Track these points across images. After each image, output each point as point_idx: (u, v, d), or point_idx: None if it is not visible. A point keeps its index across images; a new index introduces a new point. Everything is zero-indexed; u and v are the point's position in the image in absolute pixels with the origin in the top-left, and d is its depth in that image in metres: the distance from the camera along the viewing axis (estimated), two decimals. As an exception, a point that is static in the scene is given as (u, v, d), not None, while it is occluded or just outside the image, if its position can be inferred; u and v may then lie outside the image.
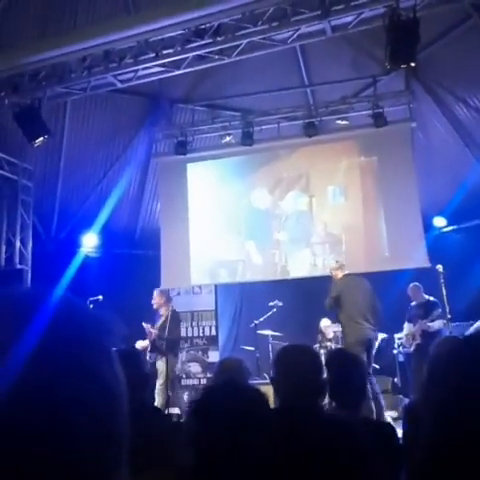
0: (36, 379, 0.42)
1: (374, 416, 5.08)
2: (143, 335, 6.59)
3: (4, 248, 8.16)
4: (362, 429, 2.11)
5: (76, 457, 0.43)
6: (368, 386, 4.70)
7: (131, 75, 6.19)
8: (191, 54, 5.92)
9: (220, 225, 8.95)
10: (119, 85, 6.39)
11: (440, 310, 6.63)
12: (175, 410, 7.46)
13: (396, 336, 7.66)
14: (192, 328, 9.12)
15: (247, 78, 8.22)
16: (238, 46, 5.77)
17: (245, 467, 1.46)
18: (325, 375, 2.56)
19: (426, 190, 8.14)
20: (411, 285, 7.12)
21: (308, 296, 8.22)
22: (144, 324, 6.53)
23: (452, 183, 8.08)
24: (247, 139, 8.33)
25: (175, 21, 5.32)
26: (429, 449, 0.75)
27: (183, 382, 8.81)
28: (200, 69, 7.15)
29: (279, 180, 8.84)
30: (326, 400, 2.98)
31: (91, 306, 7.01)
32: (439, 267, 6.57)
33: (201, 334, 9.12)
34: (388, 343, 7.92)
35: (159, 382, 6.32)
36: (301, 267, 8.48)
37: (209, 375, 8.43)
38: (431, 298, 6.91)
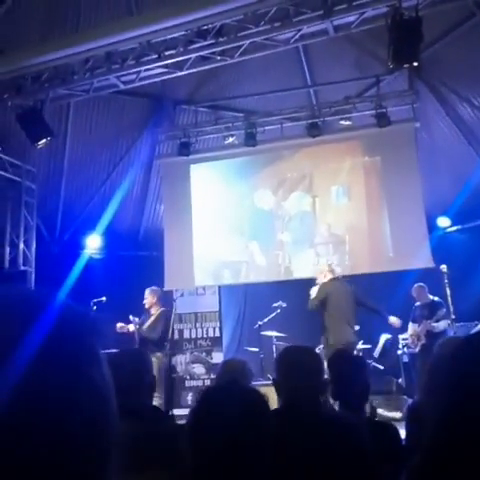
0: (30, 381, 0.43)
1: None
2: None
3: (8, 250, 8.18)
4: (364, 430, 2.11)
5: (69, 456, 0.43)
6: None
7: (134, 76, 6.20)
8: (194, 55, 5.92)
9: (223, 226, 8.94)
10: (122, 86, 6.40)
11: (445, 310, 6.60)
12: (179, 411, 7.45)
13: (400, 337, 7.63)
14: (196, 329, 9.11)
15: (250, 79, 8.22)
16: (240, 47, 5.76)
17: (245, 468, 1.45)
18: (327, 376, 2.56)
19: (430, 190, 8.11)
20: (415, 285, 7.09)
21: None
22: (131, 317, 6.69)
23: (456, 183, 8.04)
24: (250, 140, 8.32)
25: (177, 22, 5.32)
26: (430, 450, 0.74)
27: (187, 383, 8.80)
28: (203, 70, 7.15)
29: (282, 181, 8.83)
30: (330, 401, 2.97)
31: (94, 308, 7.02)
32: (443, 267, 6.53)
33: (205, 335, 9.10)
34: (392, 344, 7.89)
35: None
36: (305, 268, 8.46)
37: (213, 376, 8.41)
38: (436, 298, 6.88)
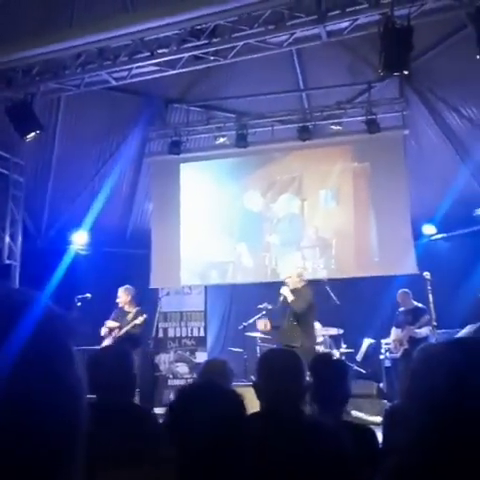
0: (5, 381, 0.44)
1: None
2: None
3: (-7, 243, 8.11)
4: (345, 435, 2.12)
5: (38, 450, 0.45)
6: None
7: (125, 73, 6.18)
8: (186, 54, 5.91)
9: (212, 226, 8.95)
10: (113, 83, 6.37)
11: (428, 317, 6.67)
12: (161, 410, 7.43)
13: (383, 341, 7.69)
14: (181, 328, 9.10)
15: (243, 80, 8.23)
16: (234, 48, 5.77)
17: (224, 468, 1.46)
18: (308, 379, 2.57)
19: (417, 197, 8.19)
20: (400, 291, 7.15)
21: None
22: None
23: (443, 191, 8.13)
24: (241, 141, 8.34)
25: (171, 21, 5.32)
26: (413, 452, 0.76)
27: (170, 382, 8.79)
28: (196, 70, 7.15)
29: (272, 183, 8.86)
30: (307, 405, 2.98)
31: (79, 304, 6.99)
32: (426, 274, 6.61)
33: (189, 334, 9.10)
34: (375, 348, 7.95)
35: None
36: (291, 270, 8.49)
37: (196, 376, 8.41)
38: (419, 305, 6.95)
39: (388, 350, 7.54)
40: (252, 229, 8.81)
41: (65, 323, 0.53)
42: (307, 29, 5.55)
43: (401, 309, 7.17)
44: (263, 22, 5.58)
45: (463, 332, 6.43)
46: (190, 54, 5.90)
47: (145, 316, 6.87)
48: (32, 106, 6.25)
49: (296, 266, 7.51)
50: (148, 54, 5.90)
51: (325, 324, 7.73)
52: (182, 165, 9.00)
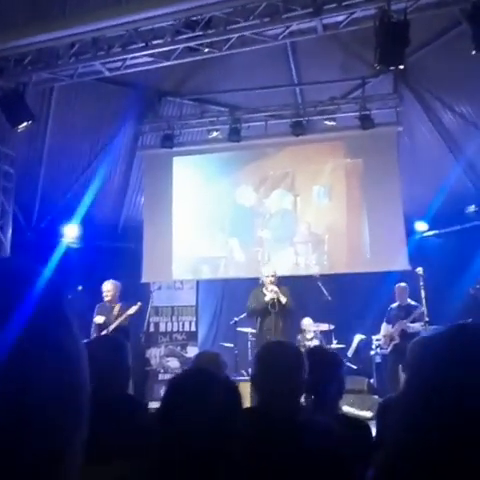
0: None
1: None
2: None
3: (-17, 235, 8.01)
4: (340, 431, 2.10)
5: (40, 421, 0.45)
6: None
7: (119, 64, 6.11)
8: (181, 46, 5.86)
9: (204, 221, 8.91)
10: (107, 73, 6.31)
11: (420, 311, 6.69)
12: (152, 404, 7.40)
13: (374, 338, 7.72)
14: (172, 323, 9.07)
15: (237, 74, 8.19)
16: (229, 40, 5.73)
17: (214, 458, 1.43)
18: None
19: (409, 194, 8.21)
20: (399, 285, 7.14)
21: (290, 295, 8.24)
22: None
23: (435, 188, 8.16)
24: (234, 135, 8.31)
25: (166, 11, 5.26)
26: (414, 448, 0.74)
27: (160, 377, 8.76)
28: (190, 63, 7.09)
29: (265, 178, 8.84)
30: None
31: (69, 297, 6.93)
32: (419, 270, 6.63)
33: (181, 329, 9.08)
34: (366, 344, 7.98)
35: None
36: (283, 266, 8.48)
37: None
38: (413, 303, 6.98)
39: (379, 346, 7.57)
40: (244, 224, 8.79)
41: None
42: (303, 22, 5.52)
43: (394, 305, 7.19)
44: (258, 14, 5.55)
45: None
46: (184, 45, 5.85)
47: (140, 303, 6.83)
48: (24, 96, 6.16)
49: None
50: (142, 45, 5.84)
51: (316, 320, 7.75)
52: (175, 159, 8.95)
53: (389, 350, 7.05)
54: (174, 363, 8.88)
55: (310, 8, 5.29)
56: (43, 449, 0.44)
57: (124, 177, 9.42)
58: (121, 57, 5.98)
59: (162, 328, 8.97)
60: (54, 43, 5.84)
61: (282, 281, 6.99)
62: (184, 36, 5.69)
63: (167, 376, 8.72)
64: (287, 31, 5.63)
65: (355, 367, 7.68)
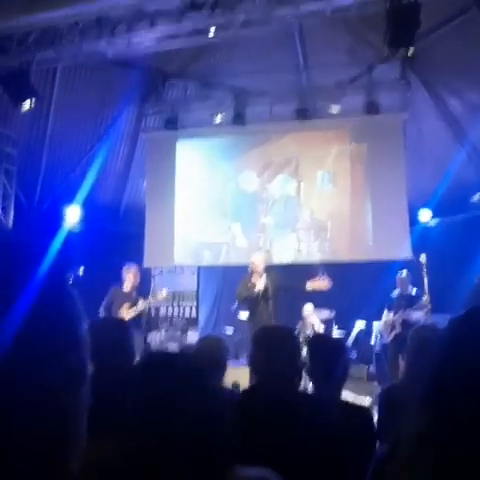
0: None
1: None
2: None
3: (-16, 216, 7.98)
4: (337, 413, 2.11)
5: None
6: None
7: (124, 44, 6.00)
8: (187, 26, 5.76)
9: (206, 206, 8.87)
10: (111, 54, 6.21)
11: (423, 301, 6.66)
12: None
13: (375, 324, 7.71)
14: (172, 308, 9.08)
15: (243, 58, 8.09)
16: (236, 22, 5.62)
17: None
18: (307, 358, 2.55)
19: (414, 182, 8.14)
20: (402, 274, 7.09)
21: (291, 281, 8.20)
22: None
23: (440, 177, 8.10)
24: (239, 119, 8.24)
25: (172, -10, 5.17)
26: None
27: (160, 361, 8.78)
28: (195, 45, 6.99)
29: (268, 163, 8.78)
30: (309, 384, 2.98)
31: (70, 279, 6.91)
32: (422, 257, 6.58)
33: (181, 314, 9.09)
34: (366, 332, 7.98)
35: None
36: (285, 252, 8.46)
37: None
38: (414, 293, 6.94)
39: (379, 334, 7.57)
40: (247, 210, 8.74)
41: (61, 265, 0.63)
42: (311, 3, 5.41)
43: (396, 292, 7.16)
44: (266, -5, 5.44)
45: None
46: (191, 26, 5.74)
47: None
48: (28, 74, 6.08)
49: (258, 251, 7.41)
50: (148, 25, 5.75)
51: (318, 306, 7.74)
52: (178, 142, 8.88)
53: (390, 339, 7.05)
54: (174, 348, 8.90)
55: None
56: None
57: (127, 160, 9.36)
58: (126, 37, 5.87)
59: (162, 313, 8.99)
60: (57, 22, 5.75)
61: (281, 269, 6.94)
62: (190, 16, 5.58)
63: (167, 360, 8.76)
64: (295, 12, 5.51)
65: (355, 355, 7.69)
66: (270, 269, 6.71)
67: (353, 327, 8.11)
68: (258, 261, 6.66)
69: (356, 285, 8.10)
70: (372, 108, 7.79)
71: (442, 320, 6.35)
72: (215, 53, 7.92)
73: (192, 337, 8.67)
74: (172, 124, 8.47)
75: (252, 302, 6.48)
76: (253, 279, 6.53)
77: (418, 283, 6.77)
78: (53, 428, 0.53)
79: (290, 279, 8.11)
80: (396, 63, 7.93)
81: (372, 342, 7.77)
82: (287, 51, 8.20)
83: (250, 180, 8.81)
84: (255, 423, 1.90)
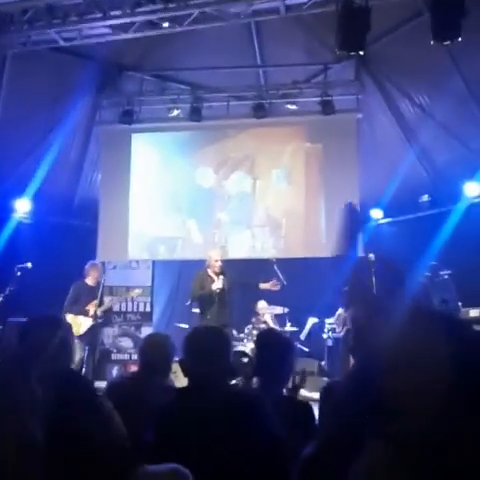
0: None
1: None
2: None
3: None
4: (282, 412, 2.15)
5: None
6: None
7: (75, 34, 5.87)
8: (141, 18, 5.68)
9: (162, 200, 8.80)
10: (62, 43, 6.05)
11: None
12: (103, 384, 7.33)
13: (327, 321, 7.85)
14: (126, 303, 8.96)
15: (200, 53, 8.03)
16: (190, 15, 5.58)
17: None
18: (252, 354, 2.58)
19: (366, 182, 8.32)
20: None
21: (245, 278, 8.25)
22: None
23: (391, 177, 8.30)
24: (195, 115, 8.19)
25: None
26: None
27: (113, 357, 8.69)
28: (152, 38, 6.90)
29: (225, 160, 8.78)
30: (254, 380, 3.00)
31: (19, 273, 6.71)
32: (371, 256, 6.74)
33: (135, 309, 8.99)
34: (319, 328, 8.12)
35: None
36: (240, 248, 8.50)
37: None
38: None
39: (331, 329, 7.72)
40: (202, 205, 8.72)
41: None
42: (266, 1, 5.43)
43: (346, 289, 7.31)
44: (221, -9, 5.42)
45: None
46: (144, 18, 5.66)
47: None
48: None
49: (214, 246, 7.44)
50: (100, 15, 5.62)
51: (272, 303, 7.81)
52: (133, 135, 8.76)
53: (342, 334, 7.19)
54: (127, 343, 8.81)
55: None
56: None
57: (81, 152, 9.14)
58: (77, 27, 5.73)
59: (116, 308, 8.85)
60: (6, 8, 5.55)
61: (236, 264, 6.96)
62: (144, 9, 5.50)
63: (120, 356, 8.66)
64: (250, 9, 5.52)
65: (307, 350, 7.81)
66: (227, 269, 6.71)
67: (306, 323, 8.24)
68: (216, 256, 6.69)
69: (309, 282, 8.22)
70: (327, 108, 7.89)
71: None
72: (172, 46, 7.83)
73: (146, 332, 8.59)
74: (127, 117, 8.34)
75: (207, 300, 6.47)
76: (210, 274, 6.52)
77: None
78: None
79: (245, 275, 8.17)
80: (351, 63, 8.08)
81: (324, 336, 7.90)
82: (244, 47, 8.20)
83: (206, 176, 8.79)
84: (184, 424, 1.92)
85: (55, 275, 7.22)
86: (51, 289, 6.86)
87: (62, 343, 2.39)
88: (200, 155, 8.82)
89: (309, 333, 8.17)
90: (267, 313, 7.82)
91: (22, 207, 8.58)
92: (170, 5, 5.36)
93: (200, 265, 8.73)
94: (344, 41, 4.73)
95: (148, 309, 8.99)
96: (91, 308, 6.51)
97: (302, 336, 8.12)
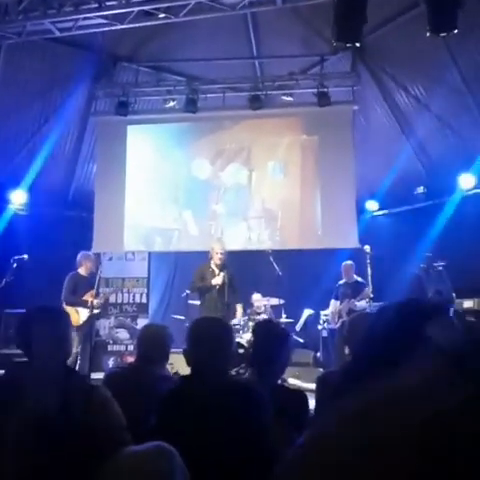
0: None
1: None
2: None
3: None
4: (277, 401, 2.19)
5: None
6: None
7: (71, 24, 5.82)
8: (136, 9, 5.64)
9: (158, 192, 8.78)
10: (57, 33, 6.01)
11: (367, 290, 6.86)
12: (100, 375, 7.36)
13: (322, 313, 7.90)
14: (122, 294, 8.97)
15: (196, 44, 8.00)
16: (186, 6, 5.56)
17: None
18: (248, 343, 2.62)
19: (362, 173, 8.34)
20: (345, 263, 7.28)
21: (241, 269, 8.28)
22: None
23: (387, 169, 8.32)
24: (191, 106, 8.16)
25: (121, -29, 5.04)
26: None
27: (109, 348, 8.70)
28: (148, 29, 6.86)
29: (221, 151, 8.76)
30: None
31: (15, 265, 6.72)
32: (367, 248, 6.76)
33: (131, 301, 9.00)
34: (314, 319, 8.17)
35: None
36: (236, 240, 8.51)
37: (136, 341, 8.35)
38: (360, 279, 7.13)
39: (326, 321, 7.76)
40: (199, 197, 8.72)
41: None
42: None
43: (341, 282, 7.35)
44: (217, -19, 5.39)
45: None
46: (140, 9, 5.63)
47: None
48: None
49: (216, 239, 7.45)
50: (95, 5, 5.59)
51: (267, 294, 7.84)
52: (129, 127, 8.72)
53: (336, 326, 7.24)
54: (124, 334, 8.83)
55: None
56: None
57: (76, 143, 9.11)
58: (72, 17, 5.69)
59: (112, 299, 8.87)
60: (0, -2, 5.50)
61: (232, 256, 6.97)
62: (139, -2, 5.47)
63: (116, 347, 8.68)
64: (246, 0, 5.50)
65: (302, 341, 7.86)
66: (228, 265, 6.72)
67: (301, 315, 8.29)
68: (218, 249, 6.70)
69: (305, 274, 8.26)
70: (323, 99, 7.88)
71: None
72: (168, 38, 7.80)
73: (142, 323, 8.61)
74: (123, 109, 8.30)
75: (206, 293, 6.51)
76: (212, 267, 6.53)
77: (362, 272, 6.97)
78: None
79: (241, 267, 8.20)
80: (347, 55, 8.07)
81: (319, 327, 7.95)
82: (241, 39, 8.18)
83: (202, 167, 8.78)
84: (185, 412, 1.96)
85: (51, 266, 7.23)
86: (47, 280, 6.87)
87: (62, 334, 2.40)
88: (196, 146, 8.81)
89: (304, 324, 8.22)
90: (262, 305, 7.85)
91: (18, 199, 8.57)
92: (166, -5, 5.34)
93: (196, 257, 8.76)
94: (340, 32, 4.73)
95: (144, 300, 9.00)
96: (89, 298, 6.52)
97: (297, 327, 8.17)
